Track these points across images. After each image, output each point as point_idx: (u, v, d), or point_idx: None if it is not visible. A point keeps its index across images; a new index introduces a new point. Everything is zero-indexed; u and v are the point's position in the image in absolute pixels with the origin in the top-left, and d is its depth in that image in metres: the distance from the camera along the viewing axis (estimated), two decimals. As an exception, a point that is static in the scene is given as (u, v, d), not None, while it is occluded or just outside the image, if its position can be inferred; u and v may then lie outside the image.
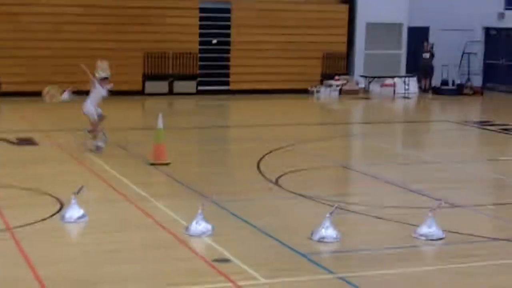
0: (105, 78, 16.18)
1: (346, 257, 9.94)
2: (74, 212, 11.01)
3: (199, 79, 28.56)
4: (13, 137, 18.04)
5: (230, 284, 8.60)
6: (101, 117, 16.35)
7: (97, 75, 16.19)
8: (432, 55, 30.62)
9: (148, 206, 11.95)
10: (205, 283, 8.67)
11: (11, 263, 9.16)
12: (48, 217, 11.17)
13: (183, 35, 28.28)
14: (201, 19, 28.56)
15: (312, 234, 10.41)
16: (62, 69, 26.48)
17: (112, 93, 26.79)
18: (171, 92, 28.01)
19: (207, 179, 14.30)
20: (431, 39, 31.50)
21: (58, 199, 12.11)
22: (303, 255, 9.72)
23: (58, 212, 11.40)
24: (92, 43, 26.97)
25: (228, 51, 28.98)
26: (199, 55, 28.58)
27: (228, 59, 28.96)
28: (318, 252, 9.97)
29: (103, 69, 16.23)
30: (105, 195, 12.70)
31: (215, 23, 28.81)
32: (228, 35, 28.95)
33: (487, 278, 9.12)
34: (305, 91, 28.96)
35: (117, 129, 19.88)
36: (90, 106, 16.19)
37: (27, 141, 17.73)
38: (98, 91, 16.22)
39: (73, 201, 11.06)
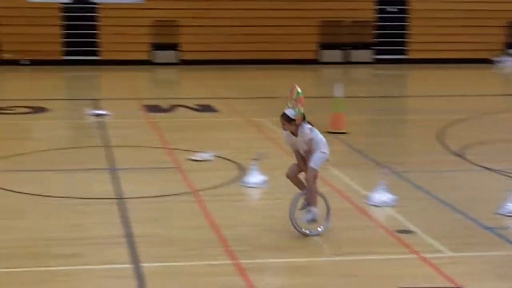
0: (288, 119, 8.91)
1: (536, 233, 9.46)
2: (254, 177, 11.10)
3: (375, 47, 28.13)
4: (193, 104, 18.43)
5: (414, 256, 8.38)
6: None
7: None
8: None
9: (326, 174, 11.84)
10: (388, 253, 8.50)
11: (195, 225, 9.33)
12: (229, 182, 11.33)
13: (359, 3, 27.92)
14: (378, -14, 28.13)
15: (499, 208, 9.97)
16: (240, 38, 26.91)
17: (287, 62, 27.36)
18: (346, 61, 27.75)
19: (385, 149, 14.05)
20: None
21: (238, 165, 12.26)
22: (490, 229, 9.33)
23: (239, 177, 11.53)
24: (267, 12, 27.17)
25: (405, 19, 28.34)
26: (375, 23, 28.14)
27: (405, 28, 28.33)
28: (506, 227, 9.53)
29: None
30: (284, 162, 12.65)
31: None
32: (406, 3, 28.31)
33: None
34: (484, 61, 27.90)
35: (286, 97, 19.94)
36: None
37: (207, 108, 18.07)
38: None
39: (253, 167, 11.14)
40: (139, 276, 7.68)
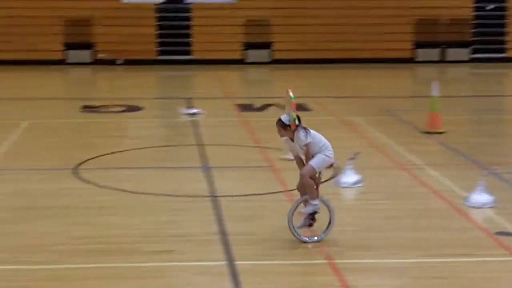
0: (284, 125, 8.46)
1: None
2: (350, 177, 10.94)
3: (473, 46, 27.52)
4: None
5: (513, 259, 8.10)
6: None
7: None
8: None
9: (423, 175, 11.63)
10: (486, 256, 8.24)
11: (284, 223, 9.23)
12: (323, 181, 11.14)
13: (456, 1, 27.37)
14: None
15: None
16: (334, 37, 26.73)
17: (382, 60, 27.00)
18: (442, 60, 27.24)
19: (484, 149, 13.68)
20: None
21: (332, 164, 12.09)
22: None
23: (333, 176, 11.38)
24: (361, 11, 26.95)
25: (504, 17, 27.63)
26: (473, 21, 27.52)
27: (504, 25, 27.62)
28: None
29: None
30: (378, 162, 12.53)
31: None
32: (505, 0, 27.61)
33: None
34: None
35: (387, 97, 19.70)
36: None
37: (300, 107, 17.92)
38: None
39: (349, 166, 10.97)
40: (233, 274, 7.62)
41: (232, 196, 10.41)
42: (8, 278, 7.52)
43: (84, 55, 27.21)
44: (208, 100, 19.01)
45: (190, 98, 19.21)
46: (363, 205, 10.39)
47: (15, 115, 17.03)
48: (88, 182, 11.16)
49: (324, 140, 8.53)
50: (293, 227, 8.52)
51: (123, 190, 10.68)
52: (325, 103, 18.54)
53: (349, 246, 8.45)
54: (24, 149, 13.54)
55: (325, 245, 8.42)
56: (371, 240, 8.69)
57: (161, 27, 27.49)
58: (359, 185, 10.93)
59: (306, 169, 8.43)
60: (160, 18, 27.55)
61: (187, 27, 27.59)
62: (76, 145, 13.97)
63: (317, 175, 8.50)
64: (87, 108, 17.90)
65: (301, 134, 8.37)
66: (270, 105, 18.20)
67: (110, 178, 11.36)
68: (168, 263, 7.93)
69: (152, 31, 27.36)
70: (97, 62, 26.98)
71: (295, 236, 8.52)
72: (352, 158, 11.04)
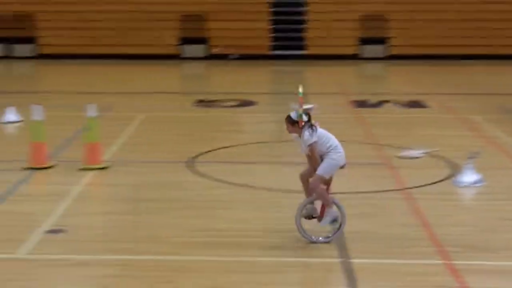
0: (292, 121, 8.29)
1: None
2: (469, 176, 10.59)
3: None
4: (403, 99, 18.04)
5: None
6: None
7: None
8: None
9: (546, 175, 11.20)
10: None
11: (405, 223, 9.03)
12: (441, 180, 10.90)
13: None
14: None
15: None
16: (454, 32, 26.18)
17: (506, 57, 26.16)
18: None
19: None
20: None
21: (450, 163, 11.79)
22: None
23: (451, 175, 11.06)
24: (485, 5, 26.35)
25: None
26: None
27: None
28: None
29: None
30: (499, 162, 12.14)
31: None
32: None
33: None
34: None
35: (507, 94, 19.17)
36: None
37: (417, 104, 17.62)
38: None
39: (468, 165, 10.64)
40: (349, 271, 7.48)
41: (348, 193, 10.22)
42: (127, 267, 7.62)
43: (198, 49, 27.48)
44: (322, 96, 18.84)
45: (304, 94, 19.07)
46: (483, 205, 10.07)
47: (132, 108, 17.32)
48: (202, 175, 11.21)
49: (332, 141, 8.16)
50: (300, 226, 8.26)
51: (237, 184, 10.68)
52: (442, 100, 18.11)
53: (467, 247, 8.19)
54: (139, 141, 13.73)
55: (443, 245, 8.18)
56: (490, 241, 8.40)
57: (275, 22, 27.49)
58: (479, 184, 10.58)
59: (315, 180, 8.11)
60: (275, 13, 27.55)
61: (302, 21, 27.49)
62: (190, 138, 14.08)
63: None
64: (201, 102, 18.04)
65: (306, 134, 8.05)
66: (386, 101, 17.90)
67: (224, 172, 11.38)
68: (281, 259, 7.85)
69: (266, 25, 27.39)
70: (211, 56, 27.21)
71: (301, 234, 8.25)
72: (471, 157, 10.69)
